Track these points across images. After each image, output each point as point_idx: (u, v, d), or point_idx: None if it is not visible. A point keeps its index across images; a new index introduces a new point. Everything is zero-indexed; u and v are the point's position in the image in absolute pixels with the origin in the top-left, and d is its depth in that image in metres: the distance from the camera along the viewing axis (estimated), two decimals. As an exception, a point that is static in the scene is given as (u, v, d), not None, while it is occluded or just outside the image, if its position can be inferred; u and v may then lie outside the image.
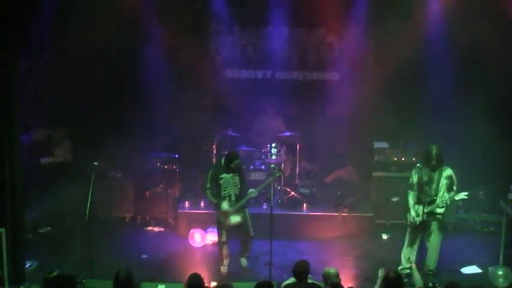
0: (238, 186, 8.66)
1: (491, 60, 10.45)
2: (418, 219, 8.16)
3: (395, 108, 10.88)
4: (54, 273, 6.48)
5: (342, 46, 11.68)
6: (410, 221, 8.26)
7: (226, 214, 8.63)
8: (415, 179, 8.27)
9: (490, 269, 8.14)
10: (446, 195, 8.10)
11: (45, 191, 10.05)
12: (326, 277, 6.73)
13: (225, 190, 8.62)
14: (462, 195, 8.06)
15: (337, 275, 6.72)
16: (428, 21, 10.84)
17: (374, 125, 11.04)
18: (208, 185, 8.76)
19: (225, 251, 8.84)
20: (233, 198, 8.64)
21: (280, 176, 9.46)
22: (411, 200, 8.29)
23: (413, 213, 8.21)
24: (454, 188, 8.18)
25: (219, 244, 8.91)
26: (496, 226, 9.96)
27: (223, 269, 8.76)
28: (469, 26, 10.26)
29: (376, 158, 10.72)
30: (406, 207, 8.37)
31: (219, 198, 8.65)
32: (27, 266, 8.58)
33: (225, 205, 8.63)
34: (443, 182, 8.14)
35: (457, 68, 10.64)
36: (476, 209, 10.77)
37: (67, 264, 8.46)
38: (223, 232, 8.78)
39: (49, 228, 10.29)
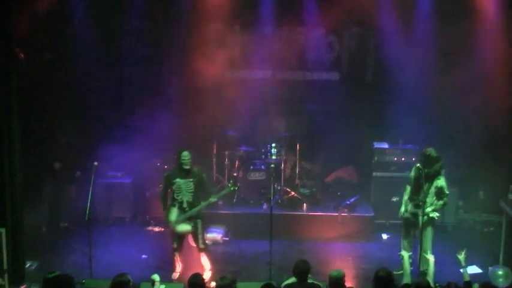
0: (192, 193, 8.34)
1: (491, 60, 10.47)
2: (405, 215, 8.42)
3: (395, 108, 10.88)
4: (54, 274, 6.47)
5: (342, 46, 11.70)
6: (400, 214, 8.52)
7: (172, 224, 8.44)
8: (413, 176, 8.40)
9: (490, 269, 8.11)
10: (437, 203, 8.19)
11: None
12: (334, 281, 6.50)
13: (177, 196, 8.33)
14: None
15: (343, 277, 6.61)
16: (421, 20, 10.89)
17: (374, 125, 11.03)
18: (162, 187, 8.63)
19: (175, 258, 8.61)
20: (185, 205, 8.34)
21: (234, 191, 8.90)
22: (406, 195, 8.47)
23: (403, 208, 8.43)
24: (443, 197, 8.25)
25: (172, 250, 8.67)
26: (496, 226, 9.96)
27: (174, 275, 8.55)
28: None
29: (376, 158, 10.73)
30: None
31: (170, 203, 8.41)
32: (27, 266, 8.59)
33: (171, 215, 8.39)
34: (433, 190, 8.22)
35: (456, 67, 10.65)
36: (476, 209, 10.79)
37: (67, 264, 8.47)
38: (175, 239, 8.56)
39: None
